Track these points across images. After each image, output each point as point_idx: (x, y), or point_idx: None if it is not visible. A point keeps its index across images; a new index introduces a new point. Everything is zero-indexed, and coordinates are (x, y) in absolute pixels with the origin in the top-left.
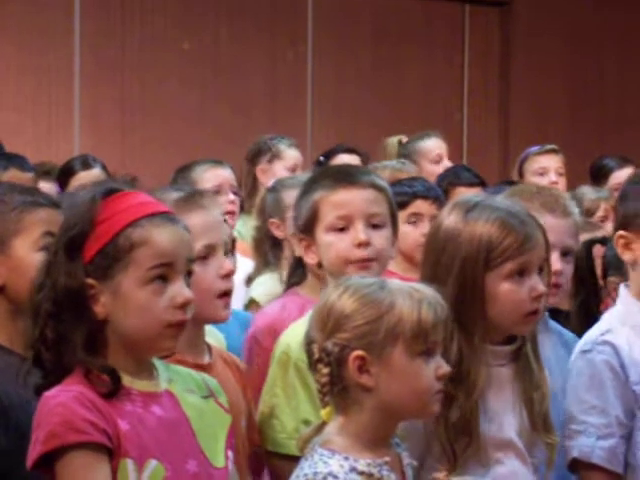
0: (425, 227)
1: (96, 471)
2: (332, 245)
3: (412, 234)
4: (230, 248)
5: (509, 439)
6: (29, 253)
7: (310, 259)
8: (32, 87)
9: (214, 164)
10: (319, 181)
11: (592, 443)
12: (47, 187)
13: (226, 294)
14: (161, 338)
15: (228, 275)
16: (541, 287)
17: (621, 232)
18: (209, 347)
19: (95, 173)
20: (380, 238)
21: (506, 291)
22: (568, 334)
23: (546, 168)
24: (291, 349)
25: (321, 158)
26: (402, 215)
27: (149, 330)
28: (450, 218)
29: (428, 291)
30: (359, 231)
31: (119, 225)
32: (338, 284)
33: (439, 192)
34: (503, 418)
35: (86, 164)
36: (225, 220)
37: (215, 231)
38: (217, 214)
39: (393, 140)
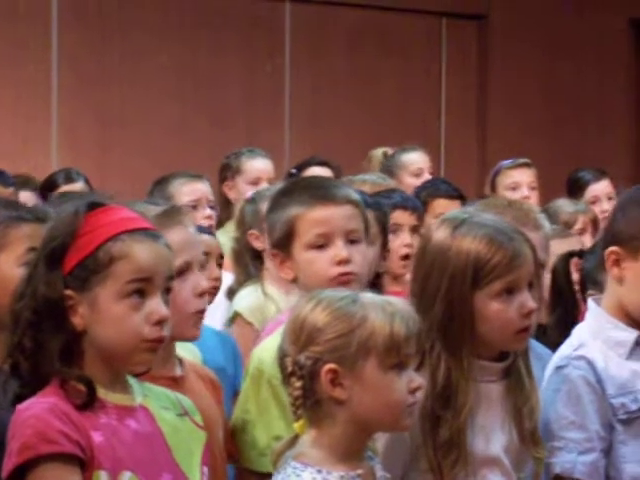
0: (405, 237)
1: None
2: (312, 263)
3: (392, 245)
4: (218, 263)
5: (495, 456)
6: (12, 268)
7: (285, 274)
8: (10, 100)
9: (192, 178)
10: (294, 196)
11: (573, 459)
12: (26, 196)
13: (199, 312)
14: (136, 353)
15: (203, 294)
16: (531, 303)
17: (613, 248)
18: (180, 360)
19: (78, 187)
20: (358, 254)
21: (495, 310)
22: (540, 347)
23: (518, 183)
24: (264, 364)
25: (293, 170)
26: None
27: (124, 344)
28: (439, 233)
29: (400, 304)
30: (340, 248)
31: (100, 238)
32: (311, 297)
33: (417, 202)
34: (491, 435)
35: (69, 178)
36: (212, 233)
37: (193, 248)
38: (194, 231)
39: (378, 152)
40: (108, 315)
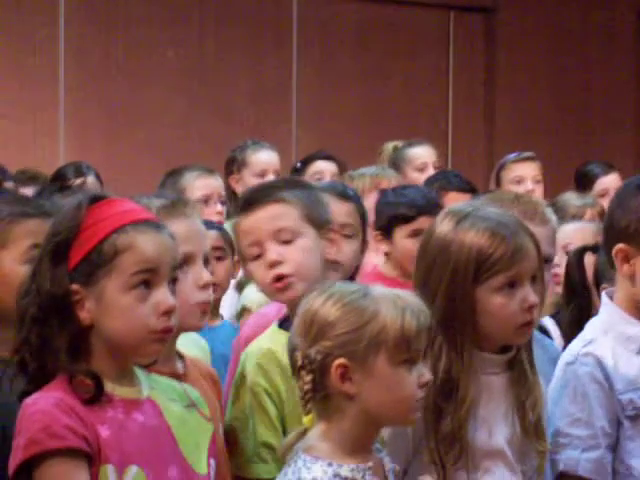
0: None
1: (75, 477)
2: (255, 274)
3: (413, 249)
4: (217, 256)
5: (499, 448)
6: (15, 265)
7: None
8: (16, 92)
9: (205, 172)
10: (237, 210)
11: (577, 455)
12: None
13: (203, 304)
14: (145, 344)
15: (206, 286)
16: (532, 298)
17: (621, 246)
18: (181, 356)
19: (89, 181)
20: (295, 251)
21: (497, 304)
22: (545, 339)
23: (522, 176)
24: (247, 371)
25: (298, 165)
26: (405, 229)
27: (133, 335)
28: (442, 227)
29: (411, 298)
30: (268, 252)
31: (104, 232)
32: (322, 290)
33: (438, 204)
34: (493, 427)
35: (79, 172)
36: (222, 229)
37: (195, 240)
38: (199, 223)
39: (389, 146)
40: (115, 307)
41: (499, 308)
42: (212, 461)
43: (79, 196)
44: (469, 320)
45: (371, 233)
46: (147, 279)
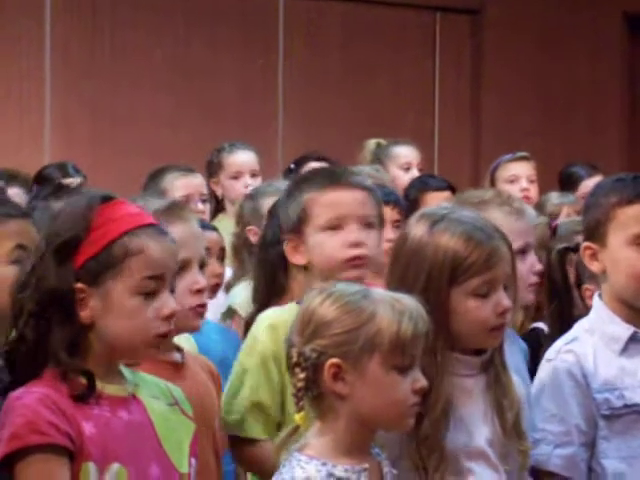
0: (387, 232)
1: (55, 473)
2: (324, 244)
3: None
4: (220, 256)
5: (480, 448)
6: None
7: (297, 260)
8: (2, 95)
9: (184, 172)
10: (309, 181)
11: (549, 451)
12: (14, 192)
13: (197, 307)
14: (144, 347)
15: (200, 291)
16: (506, 302)
17: (586, 243)
18: (178, 348)
19: (76, 183)
20: (372, 239)
21: (471, 308)
22: (521, 341)
23: (517, 175)
24: (260, 332)
25: (291, 166)
26: None
27: (134, 338)
28: (417, 230)
29: (411, 303)
30: (353, 231)
31: (115, 233)
32: (322, 289)
33: (398, 196)
34: (473, 428)
35: (66, 173)
36: (215, 228)
37: (192, 245)
38: (196, 227)
39: (371, 143)
40: (121, 309)
41: (473, 311)
42: (193, 460)
43: (87, 195)
44: (443, 322)
45: None
46: (154, 285)
